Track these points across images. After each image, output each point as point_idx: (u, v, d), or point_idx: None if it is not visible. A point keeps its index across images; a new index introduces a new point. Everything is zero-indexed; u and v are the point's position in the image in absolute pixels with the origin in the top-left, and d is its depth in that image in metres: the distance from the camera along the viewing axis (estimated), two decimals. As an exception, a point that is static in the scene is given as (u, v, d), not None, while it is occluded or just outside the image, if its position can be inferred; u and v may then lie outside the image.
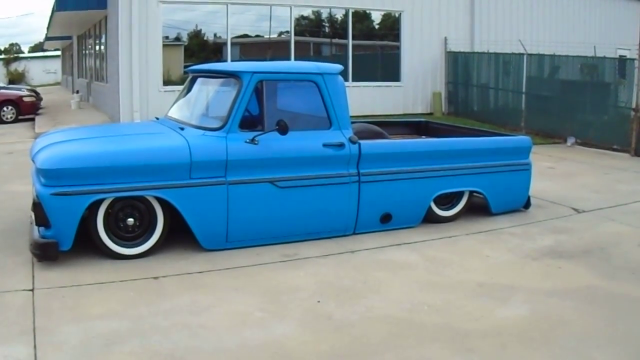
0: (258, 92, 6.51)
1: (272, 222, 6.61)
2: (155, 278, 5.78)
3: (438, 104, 20.76)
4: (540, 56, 17.29)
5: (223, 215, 6.33)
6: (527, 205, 8.17)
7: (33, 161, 6.30)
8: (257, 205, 6.48)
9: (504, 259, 6.35)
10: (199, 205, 6.21)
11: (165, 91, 16.66)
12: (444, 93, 21.21)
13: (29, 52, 66.08)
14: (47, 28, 28.68)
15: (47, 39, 33.98)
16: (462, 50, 20.87)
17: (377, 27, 21.44)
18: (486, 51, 19.69)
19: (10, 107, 20.49)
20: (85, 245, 6.21)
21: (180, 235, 6.55)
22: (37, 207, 5.73)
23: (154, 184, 6.02)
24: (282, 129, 6.19)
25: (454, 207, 7.75)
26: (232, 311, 5.09)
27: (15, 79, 46.12)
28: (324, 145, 6.68)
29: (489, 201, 7.77)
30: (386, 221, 7.14)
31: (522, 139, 8.20)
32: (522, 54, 17.39)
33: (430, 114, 20.27)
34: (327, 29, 20.56)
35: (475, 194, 7.80)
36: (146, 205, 6.21)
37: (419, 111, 20.43)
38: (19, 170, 10.89)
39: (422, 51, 20.58)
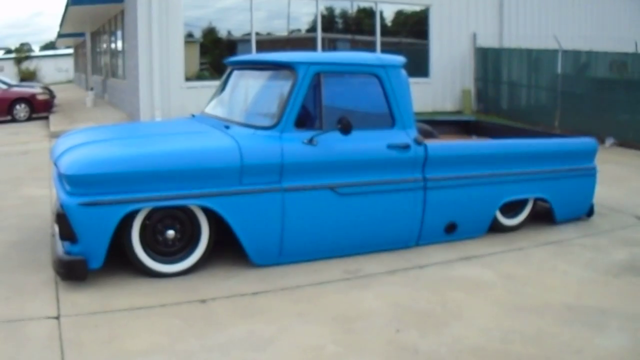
0: (314, 85, 5.65)
1: (330, 234, 5.79)
2: (203, 301, 4.93)
3: (467, 102, 19.94)
4: (576, 52, 16.33)
5: (277, 226, 5.49)
6: (590, 213, 7.44)
7: (55, 165, 5.39)
8: (314, 214, 5.66)
9: (583, 276, 5.66)
10: (251, 214, 5.38)
11: (187, 87, 15.78)
12: (473, 90, 20.31)
13: (40, 50, 65.47)
14: (60, 25, 27.90)
15: (60, 36, 33.25)
16: (491, 45, 20.00)
17: (404, 22, 20.59)
18: (516, 47, 18.78)
19: (23, 105, 19.68)
20: (118, 262, 5.39)
21: (222, 249, 5.75)
22: (61, 219, 4.86)
23: (199, 192, 5.19)
24: (345, 128, 5.37)
25: (518, 215, 6.98)
26: (300, 344, 4.27)
27: (27, 77, 45.45)
28: (388, 146, 5.86)
29: (553, 209, 7.05)
30: (451, 231, 6.40)
31: (588, 141, 7.34)
32: (556, 50, 16.43)
33: (459, 111, 19.44)
34: (352, 25, 19.69)
35: (539, 201, 7.08)
36: (188, 215, 5.35)
37: (448, 109, 19.69)
38: (35, 172, 10.03)
39: (450, 47, 19.79)
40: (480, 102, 20.45)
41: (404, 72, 6.14)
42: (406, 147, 5.90)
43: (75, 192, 4.90)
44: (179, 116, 12.68)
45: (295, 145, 5.46)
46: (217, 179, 5.21)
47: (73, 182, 4.87)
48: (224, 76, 6.87)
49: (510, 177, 6.61)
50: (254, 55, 6.57)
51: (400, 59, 6.17)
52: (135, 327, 4.46)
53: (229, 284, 5.27)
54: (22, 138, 15.24)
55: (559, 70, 16.77)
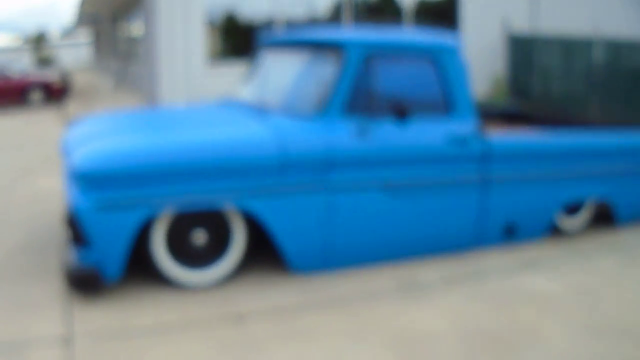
0: (365, 68, 4.90)
1: (380, 237, 5.08)
2: (239, 317, 4.22)
3: (499, 89, 19.03)
4: (614, 42, 15.38)
5: (322, 229, 4.80)
6: None
7: (66, 159, 4.63)
8: (364, 215, 4.94)
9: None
10: (292, 215, 4.66)
11: (210, 71, 15.04)
12: (505, 78, 19.46)
13: (59, 38, 65.13)
14: (79, 8, 27.23)
15: (78, 21, 32.63)
16: (523, 33, 19.11)
17: (432, 9, 19.79)
18: (550, 35, 17.89)
19: (39, 91, 18.95)
20: (137, 270, 4.70)
21: (257, 255, 5.10)
22: (73, 222, 4.14)
23: (234, 190, 4.45)
24: (401, 113, 4.72)
25: (578, 216, 6.21)
26: (357, 376, 3.47)
27: (45, 62, 44.97)
28: (446, 139, 5.14)
29: (616, 210, 6.28)
30: (510, 234, 5.67)
31: None
32: (593, 39, 15.49)
33: (491, 100, 18.59)
34: (376, 11, 18.89)
35: (601, 201, 6.33)
36: (220, 216, 4.61)
37: (480, 97, 18.72)
38: (47, 162, 9.32)
39: (482, 34, 18.91)
40: (513, 89, 19.61)
41: (462, 55, 5.32)
42: (465, 140, 5.18)
43: (90, 192, 4.16)
44: (204, 101, 11.93)
45: (343, 136, 4.74)
46: (255, 174, 4.50)
47: (86, 180, 4.14)
48: (257, 57, 6.06)
49: (574, 174, 5.86)
50: (294, 34, 5.69)
51: (458, 42, 5.40)
52: (162, 351, 3.77)
53: (267, 296, 4.56)
54: (36, 126, 14.57)
55: (595, 59, 15.86)
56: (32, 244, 5.54)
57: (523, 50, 18.83)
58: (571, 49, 16.84)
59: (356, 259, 5.04)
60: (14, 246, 5.48)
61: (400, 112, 4.56)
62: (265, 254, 5.09)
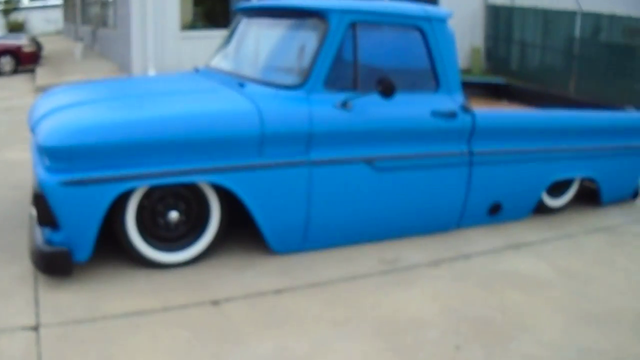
0: (348, 38, 4.65)
1: (364, 215, 4.87)
2: (215, 303, 4.01)
3: (477, 61, 18.85)
4: (597, 15, 15.18)
5: (302, 207, 4.57)
6: (635, 195, 6.61)
7: (33, 133, 4.36)
8: (346, 192, 4.72)
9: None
10: (271, 192, 4.44)
11: (183, 38, 14.63)
12: (483, 49, 19.20)
13: (29, 1, 63.58)
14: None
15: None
16: (503, 3, 18.83)
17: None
18: (531, 6, 17.62)
19: (8, 58, 18.43)
20: (108, 250, 4.47)
21: (234, 233, 4.89)
22: (39, 201, 3.88)
23: (209, 166, 4.22)
24: (387, 91, 4.41)
25: (563, 195, 6.12)
26: (341, 367, 3.28)
27: (15, 28, 43.96)
28: (433, 113, 4.90)
29: (601, 190, 6.19)
30: (495, 212, 5.54)
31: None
32: (575, 12, 15.28)
33: (469, 70, 18.34)
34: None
35: (585, 180, 6.27)
36: (195, 193, 4.41)
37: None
38: (18, 132, 8.96)
39: (460, 3, 18.51)
40: (490, 61, 19.40)
41: (450, 26, 5.09)
42: (452, 114, 4.97)
43: (57, 168, 3.90)
44: (177, 70, 11.56)
45: (325, 109, 4.49)
46: (232, 150, 4.25)
47: (53, 155, 3.87)
48: (234, 24, 5.78)
49: (561, 153, 5.70)
50: (273, 1, 5.40)
51: (446, 11, 5.15)
52: (132, 341, 3.55)
53: (244, 278, 4.35)
54: (6, 93, 14.11)
55: (577, 33, 15.66)
56: (0, 221, 5.26)
57: (502, 21, 18.61)
58: (552, 21, 16.62)
59: (338, 237, 4.86)
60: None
61: (386, 86, 4.31)
62: (243, 232, 4.86)
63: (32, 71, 18.26)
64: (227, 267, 4.47)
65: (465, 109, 5.00)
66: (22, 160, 7.21)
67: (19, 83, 16.17)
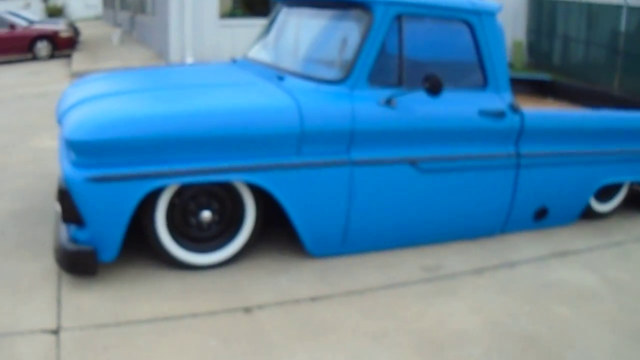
0: (394, 31, 4.35)
1: (405, 219, 4.59)
2: (247, 310, 3.77)
3: (519, 55, 18.34)
4: (642, 8, 14.63)
5: (342, 209, 4.30)
6: None
7: (60, 124, 4.14)
8: (389, 194, 4.44)
9: None
10: (310, 193, 4.18)
11: (222, 26, 14.39)
12: (525, 43, 18.69)
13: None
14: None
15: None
16: (548, -3, 18.28)
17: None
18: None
19: (45, 43, 18.37)
20: (136, 248, 4.28)
21: (268, 233, 4.65)
22: (64, 197, 3.68)
23: (245, 164, 3.97)
24: (434, 88, 4.11)
25: (612, 200, 5.71)
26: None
27: (54, 13, 44.14)
28: (480, 112, 4.59)
29: None
30: (540, 218, 5.20)
31: None
32: (621, 6, 14.73)
33: (511, 65, 17.84)
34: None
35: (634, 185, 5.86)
36: (229, 191, 4.17)
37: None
38: (49, 119, 8.75)
39: (506, -4, 17.97)
40: (532, 55, 18.89)
41: (499, 21, 4.79)
42: (501, 114, 4.65)
43: (83, 163, 3.68)
44: (215, 59, 11.32)
45: (369, 106, 4.21)
46: (269, 147, 4.01)
47: (80, 149, 3.65)
48: (273, 13, 5.51)
49: (611, 156, 5.33)
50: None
51: (497, 5, 4.83)
52: (157, 350, 3.33)
53: (279, 283, 4.11)
54: (41, 78, 14.02)
55: (622, 27, 15.11)
56: (25, 212, 5.10)
57: (545, 15, 18.07)
58: (596, 14, 16.07)
59: (378, 242, 4.60)
60: (5, 215, 5.04)
61: (434, 84, 4.02)
62: (278, 233, 4.64)
63: (68, 56, 18.21)
64: (260, 270, 4.22)
65: (514, 109, 4.70)
66: (51, 148, 7.06)
67: (55, 68, 16.10)
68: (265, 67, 4.90)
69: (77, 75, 13.11)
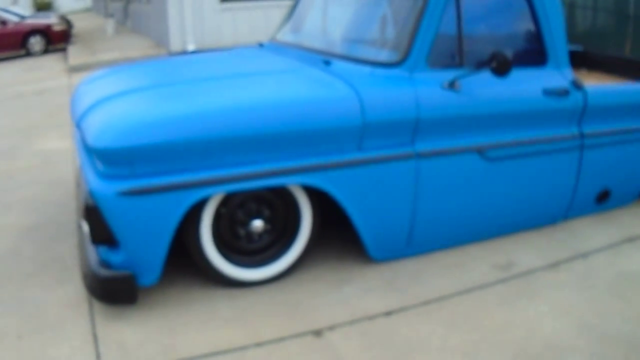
0: (451, 5, 3.79)
1: (473, 212, 4.07)
2: (317, 333, 3.23)
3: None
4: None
5: (407, 206, 3.77)
6: None
7: (78, 128, 3.58)
8: (456, 187, 3.91)
9: None
10: (373, 192, 3.64)
11: (223, 9, 13.75)
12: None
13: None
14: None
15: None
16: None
17: None
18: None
19: (38, 38, 17.74)
20: (176, 263, 3.76)
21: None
22: (92, 214, 3.13)
23: (300, 164, 3.42)
24: (502, 67, 3.58)
25: None
26: None
27: (42, 7, 43.44)
28: (545, 92, 4.06)
29: None
30: (603, 200, 4.71)
31: None
32: (632, -34, 14.12)
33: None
34: None
35: None
36: (281, 196, 3.63)
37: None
38: (53, 117, 8.23)
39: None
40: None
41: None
42: (564, 92, 4.12)
43: (113, 174, 3.13)
44: (216, 46, 10.69)
45: (432, 90, 3.67)
46: (327, 144, 3.45)
47: (107, 158, 3.09)
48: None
49: None
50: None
51: None
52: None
53: (345, 296, 3.58)
54: (38, 74, 13.40)
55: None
56: (40, 227, 4.55)
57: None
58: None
59: (444, 240, 4.10)
60: (18, 232, 4.49)
61: (502, 65, 3.48)
62: (331, 236, 4.16)
63: (63, 50, 17.60)
64: (320, 282, 3.69)
65: (577, 85, 4.18)
66: (60, 150, 6.50)
67: (51, 63, 15.48)
68: (302, 50, 4.34)
69: (76, 69, 12.53)
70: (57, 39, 18.12)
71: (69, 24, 20.04)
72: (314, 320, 3.30)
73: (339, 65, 3.81)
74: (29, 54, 17.74)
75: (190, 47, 13.37)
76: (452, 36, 3.78)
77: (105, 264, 3.31)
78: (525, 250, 4.16)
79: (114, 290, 3.28)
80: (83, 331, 3.26)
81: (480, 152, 3.85)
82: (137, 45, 15.82)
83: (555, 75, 4.13)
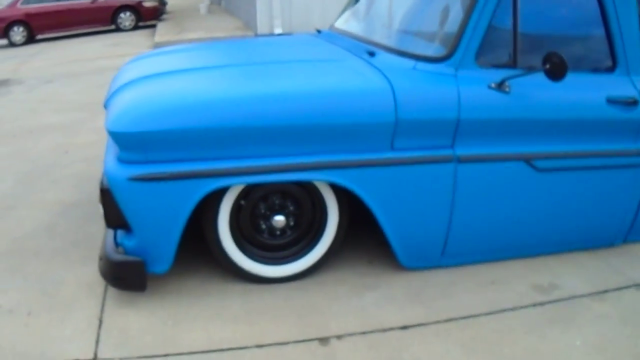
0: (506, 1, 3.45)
1: (517, 225, 3.76)
2: (323, 341, 3.05)
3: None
4: None
5: (444, 214, 3.53)
6: None
7: (105, 109, 3.51)
8: (498, 197, 3.62)
9: None
10: (405, 196, 3.41)
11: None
12: None
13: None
14: None
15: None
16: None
17: None
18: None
19: (128, 13, 18.02)
20: (199, 255, 3.66)
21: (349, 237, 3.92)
22: (106, 197, 3.08)
23: (325, 160, 3.23)
24: (557, 70, 3.23)
25: None
26: None
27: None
28: (609, 100, 3.67)
29: None
30: None
31: None
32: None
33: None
34: None
35: None
36: (307, 191, 3.47)
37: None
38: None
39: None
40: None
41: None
42: (633, 102, 3.72)
43: (128, 159, 3.05)
44: (301, 30, 10.57)
45: (478, 90, 3.40)
46: (356, 140, 3.26)
47: (123, 143, 2.99)
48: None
49: None
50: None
51: None
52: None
53: (364, 303, 3.39)
54: (122, 50, 13.60)
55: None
56: (80, 204, 4.58)
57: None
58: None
59: (483, 252, 3.82)
60: (58, 207, 4.54)
61: (557, 68, 3.17)
62: (362, 237, 3.97)
63: (153, 27, 17.81)
64: (342, 285, 3.52)
65: None
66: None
67: (138, 39, 15.72)
68: (355, 40, 4.14)
69: (160, 47, 12.63)
70: (147, 15, 18.37)
71: (162, 1, 20.30)
72: (325, 326, 3.14)
73: (383, 56, 3.62)
74: (118, 29, 18.04)
75: (277, 30, 13.31)
76: (507, 33, 3.49)
77: (119, 248, 3.21)
78: (572, 273, 3.81)
79: (124, 276, 3.22)
80: (90, 314, 3.20)
81: (527, 161, 3.57)
82: (226, 25, 15.88)
83: (624, 83, 3.78)
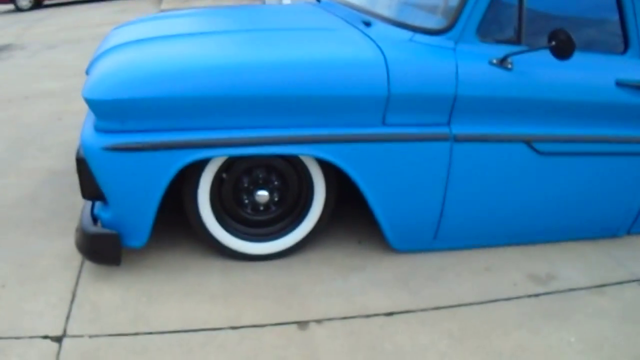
0: None
1: (515, 210, 3.60)
2: (301, 325, 2.92)
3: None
4: None
5: (437, 195, 3.37)
6: None
7: (87, 75, 3.38)
8: (496, 180, 3.45)
9: None
10: (397, 175, 3.26)
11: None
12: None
13: None
14: None
15: None
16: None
17: None
18: None
19: (138, -25, 17.82)
20: (175, 226, 3.53)
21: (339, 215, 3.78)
22: (81, 167, 2.93)
23: (311, 134, 3.08)
24: (564, 48, 3.05)
25: None
26: None
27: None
28: (618, 83, 3.46)
29: None
30: None
31: None
32: None
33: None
34: None
35: None
36: (293, 165, 3.32)
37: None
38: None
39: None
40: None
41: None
42: None
43: (104, 128, 2.90)
44: (299, 2, 10.37)
45: (478, 65, 3.21)
46: (345, 114, 3.10)
47: (98, 111, 2.83)
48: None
49: None
50: None
51: None
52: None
53: (349, 286, 3.25)
54: (128, 16, 13.38)
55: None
56: (69, 174, 4.44)
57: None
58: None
59: (478, 237, 3.66)
60: (45, 177, 4.45)
61: (564, 45, 2.98)
62: (354, 216, 3.80)
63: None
64: (328, 266, 3.38)
65: None
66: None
67: (146, 6, 15.53)
68: (354, 9, 3.97)
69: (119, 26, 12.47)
70: (159, -21, 18.11)
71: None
72: (305, 309, 3.00)
73: (379, 27, 3.45)
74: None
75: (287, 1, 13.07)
76: (512, 8, 3.30)
77: (95, 219, 3.08)
78: (572, 263, 3.64)
79: (98, 249, 3.10)
80: (64, 288, 3.09)
81: (528, 143, 3.40)
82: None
83: (635, 66, 3.57)
